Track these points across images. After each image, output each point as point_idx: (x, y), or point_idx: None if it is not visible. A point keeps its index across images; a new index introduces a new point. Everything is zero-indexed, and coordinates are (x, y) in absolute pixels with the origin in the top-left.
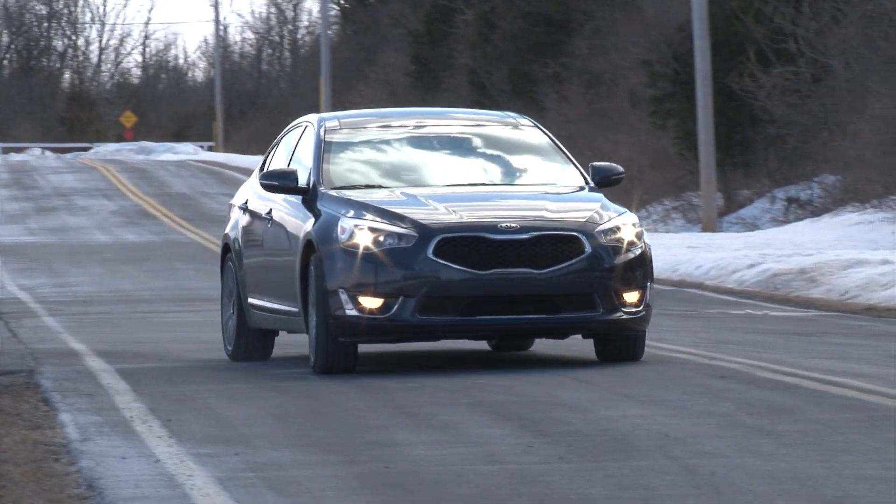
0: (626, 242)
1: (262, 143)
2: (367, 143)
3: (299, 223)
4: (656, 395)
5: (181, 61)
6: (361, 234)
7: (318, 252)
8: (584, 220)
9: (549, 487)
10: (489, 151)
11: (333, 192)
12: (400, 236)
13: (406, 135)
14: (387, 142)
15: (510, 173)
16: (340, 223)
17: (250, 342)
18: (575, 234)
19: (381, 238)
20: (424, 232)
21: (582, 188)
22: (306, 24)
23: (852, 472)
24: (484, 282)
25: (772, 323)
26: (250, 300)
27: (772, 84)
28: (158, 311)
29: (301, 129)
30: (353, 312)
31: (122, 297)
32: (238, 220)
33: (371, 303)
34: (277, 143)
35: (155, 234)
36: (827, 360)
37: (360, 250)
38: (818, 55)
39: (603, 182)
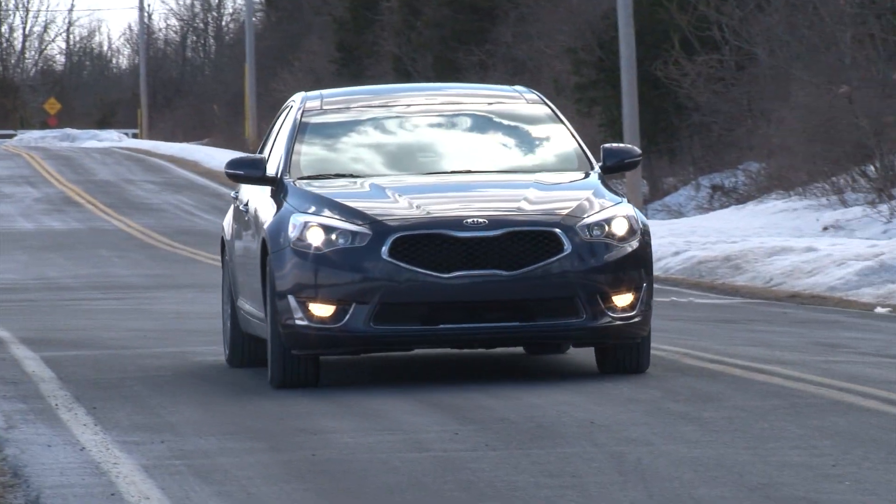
0: (616, 237)
1: (187, 130)
2: (349, 125)
3: (263, 218)
4: (582, 382)
5: (105, 48)
6: (312, 232)
7: (269, 252)
8: (566, 212)
9: (475, 475)
10: (486, 133)
11: (299, 184)
12: (353, 235)
13: (394, 115)
14: (371, 124)
15: (505, 158)
16: (291, 220)
17: (246, 348)
18: (552, 229)
19: (334, 237)
20: (379, 229)
21: (587, 174)
22: (231, 11)
23: (777, 459)
24: (446, 286)
25: (697, 310)
26: (240, 302)
27: (696, 72)
28: (83, 299)
29: (287, 108)
30: (303, 321)
31: (47, 285)
32: (231, 211)
33: (321, 310)
34: (273, 124)
35: (79, 221)
36: (752, 348)
37: (311, 251)
38: (742, 43)
39: (615, 167)
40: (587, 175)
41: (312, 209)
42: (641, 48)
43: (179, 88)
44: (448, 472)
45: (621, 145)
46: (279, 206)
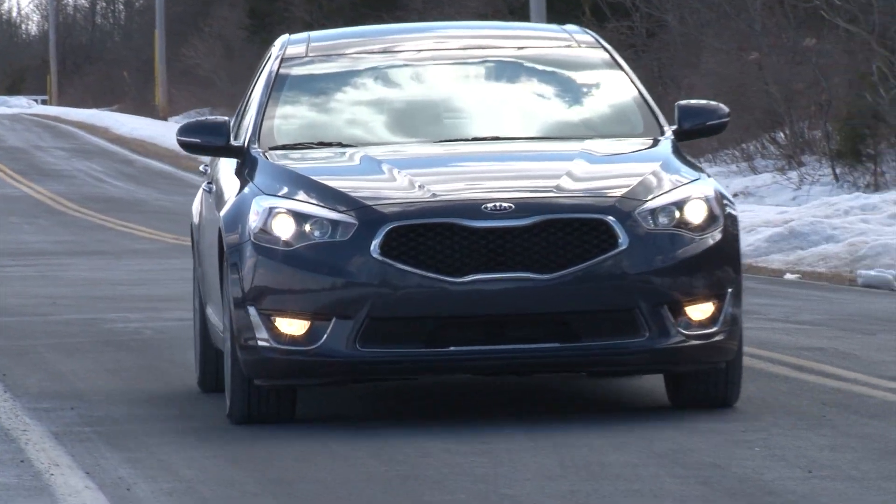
0: (691, 226)
1: (97, 96)
2: (340, 77)
3: (223, 202)
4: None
5: (14, 14)
6: (279, 221)
7: (225, 248)
8: (622, 193)
9: None
10: (520, 85)
11: (270, 156)
12: (334, 225)
13: (399, 64)
14: (369, 75)
15: (545, 119)
16: (253, 205)
17: (221, 368)
18: (602, 217)
19: (308, 228)
20: (367, 217)
21: (655, 141)
22: None
23: (687, 426)
24: (458, 295)
25: None
26: (208, 309)
27: (607, 38)
28: None
29: (266, 58)
30: (267, 342)
31: None
32: (202, 188)
33: (291, 327)
34: (253, 80)
35: None
36: None
37: (278, 246)
38: (653, 10)
39: (694, 131)
40: (655, 142)
41: (283, 190)
42: (552, 14)
43: (89, 55)
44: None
45: (702, 102)
46: (242, 186)
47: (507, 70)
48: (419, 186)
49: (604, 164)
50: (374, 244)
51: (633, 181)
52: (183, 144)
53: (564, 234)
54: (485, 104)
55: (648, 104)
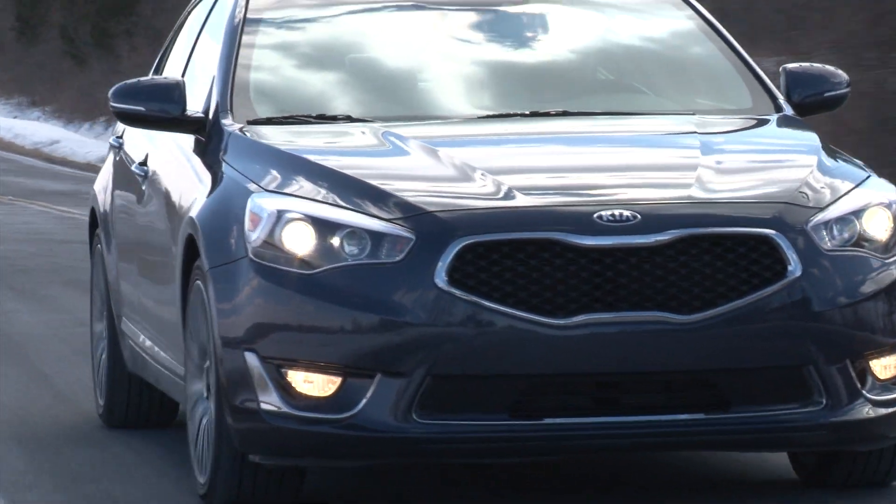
0: (876, 244)
1: None
2: (336, 24)
3: (185, 193)
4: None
5: None
6: (294, 231)
7: (202, 264)
8: (786, 198)
9: None
10: (588, 44)
11: (252, 133)
12: (376, 238)
13: (409, 4)
14: (372, 23)
15: (623, 89)
16: (250, 205)
17: (135, 397)
18: (765, 232)
19: (337, 242)
20: (429, 229)
21: (765, 120)
22: None
23: None
24: (562, 343)
25: None
26: (126, 325)
27: None
28: None
29: (209, 3)
30: (274, 405)
31: None
32: (109, 168)
33: (312, 386)
34: (179, 28)
35: None
36: None
37: (294, 268)
38: None
39: (810, 105)
40: (784, 122)
41: (290, 185)
42: None
43: None
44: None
45: (813, 66)
46: (217, 174)
47: (562, 18)
48: (495, 184)
49: (742, 155)
50: (441, 268)
51: (794, 181)
52: (121, 114)
53: (712, 256)
54: (538, 65)
55: (758, 74)
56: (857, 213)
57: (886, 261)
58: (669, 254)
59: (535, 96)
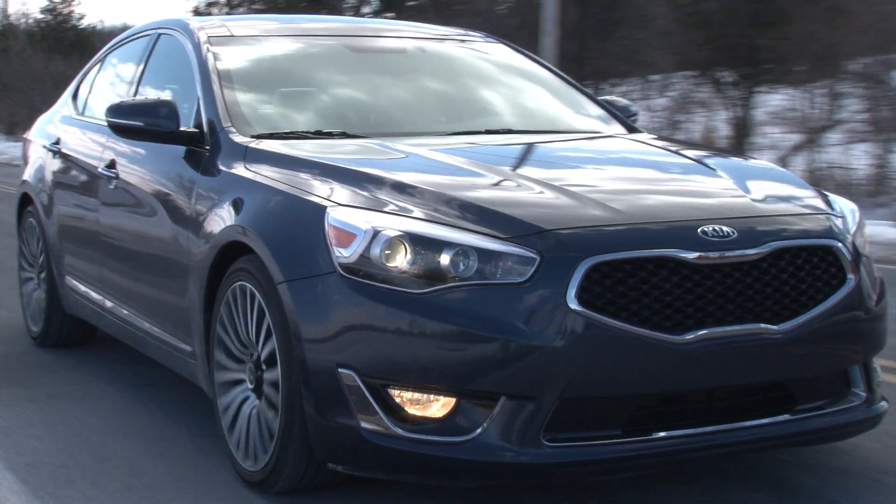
0: (871, 259)
1: None
2: (284, 61)
3: (185, 200)
4: None
5: None
6: (395, 250)
7: (273, 275)
8: (828, 214)
9: None
10: (471, 77)
11: (265, 145)
12: (491, 259)
13: (340, 49)
14: (314, 60)
15: (524, 112)
16: (330, 219)
17: (66, 327)
18: (832, 243)
19: (446, 261)
20: (555, 249)
21: (663, 137)
22: None
23: None
24: (685, 359)
25: None
26: (73, 284)
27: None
28: None
29: (148, 39)
30: (379, 425)
31: None
32: (45, 164)
33: (422, 407)
34: (99, 63)
35: None
36: None
37: (400, 287)
38: None
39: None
40: (683, 142)
41: (366, 199)
42: None
43: None
44: None
45: (620, 99)
46: (242, 181)
47: (462, 61)
48: (592, 203)
49: (748, 171)
50: (571, 289)
51: (813, 194)
52: (118, 129)
53: (794, 268)
54: (469, 93)
55: (600, 102)
56: (862, 227)
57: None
58: (763, 266)
59: (474, 119)
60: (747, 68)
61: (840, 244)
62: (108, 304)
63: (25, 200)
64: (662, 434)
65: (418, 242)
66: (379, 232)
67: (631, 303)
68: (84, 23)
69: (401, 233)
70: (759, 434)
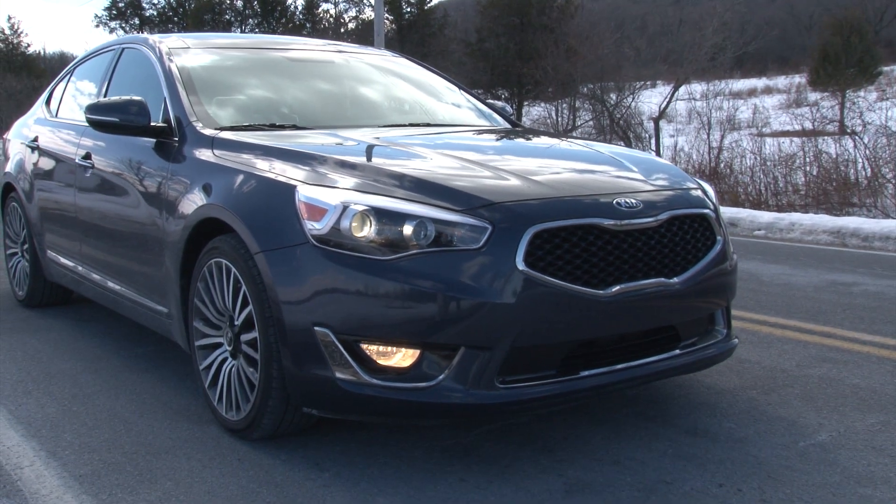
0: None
1: None
2: (234, 68)
3: (158, 185)
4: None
5: None
6: (361, 222)
7: (250, 251)
8: (695, 186)
9: None
10: (388, 82)
11: (229, 135)
12: (447, 229)
13: (281, 59)
14: (259, 68)
15: (434, 110)
16: (300, 196)
17: (49, 290)
18: (705, 212)
19: (409, 231)
20: (505, 219)
21: (543, 131)
22: None
23: None
24: (608, 309)
25: None
26: (54, 256)
27: None
28: None
29: (113, 53)
30: (352, 375)
31: None
32: (24, 158)
33: (392, 358)
34: (68, 75)
35: None
36: None
37: (367, 255)
38: None
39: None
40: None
41: (331, 179)
42: None
43: None
44: None
45: (489, 101)
46: (214, 167)
47: (380, 70)
48: (524, 179)
49: (632, 156)
50: (520, 253)
51: (679, 176)
52: (96, 124)
53: (683, 232)
54: (389, 95)
55: (487, 102)
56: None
57: None
58: (662, 231)
59: (398, 115)
60: (516, 89)
61: (710, 212)
62: (87, 272)
63: (7, 189)
64: (587, 373)
65: (383, 215)
66: (347, 207)
67: (566, 264)
68: (31, 49)
69: (367, 207)
70: (659, 367)
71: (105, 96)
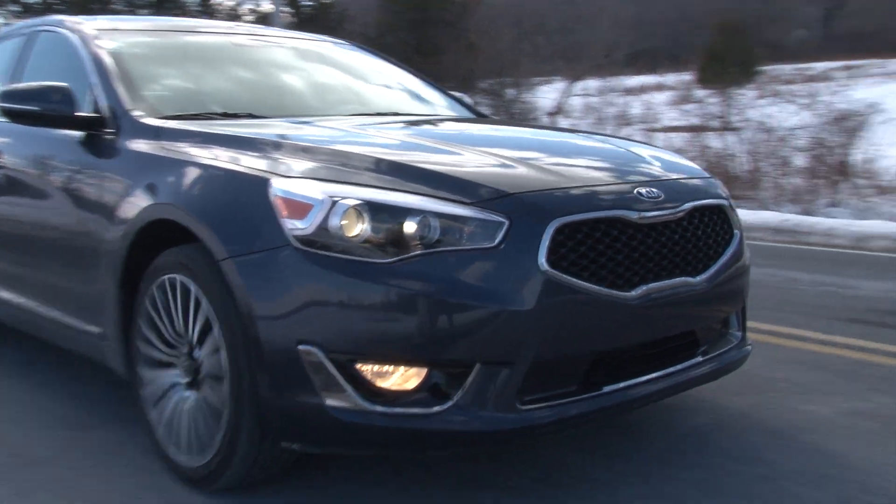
0: None
1: None
2: (172, 53)
3: (89, 185)
4: None
5: None
6: (355, 219)
7: (215, 257)
8: (709, 175)
9: None
10: (341, 70)
11: (179, 125)
12: (457, 224)
13: (225, 43)
14: (200, 52)
15: (396, 98)
16: (276, 190)
17: None
18: (722, 203)
19: (412, 229)
20: (522, 212)
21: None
22: None
23: None
24: (636, 314)
25: None
26: None
27: None
28: None
29: (23, 37)
30: (348, 400)
31: None
32: None
33: (392, 379)
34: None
35: None
36: None
37: (362, 258)
38: None
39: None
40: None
41: (312, 170)
42: None
43: None
44: None
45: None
46: (162, 161)
47: (320, 54)
48: (534, 166)
49: (637, 146)
50: (542, 251)
51: (693, 165)
52: (13, 114)
53: (704, 226)
54: (346, 83)
55: (447, 92)
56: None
57: None
58: (684, 224)
59: (358, 103)
60: None
61: (727, 203)
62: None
63: None
64: (610, 388)
65: (380, 210)
66: (337, 201)
67: (591, 262)
68: None
69: (361, 201)
70: (683, 377)
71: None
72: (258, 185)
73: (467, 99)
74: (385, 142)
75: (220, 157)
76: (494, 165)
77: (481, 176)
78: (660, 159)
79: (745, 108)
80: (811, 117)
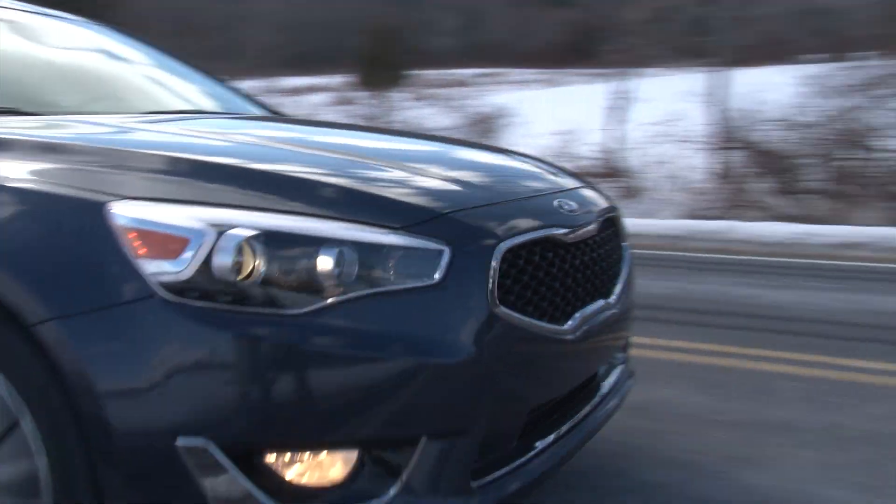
0: None
1: None
2: None
3: None
4: None
5: None
6: (252, 253)
7: (26, 321)
8: (588, 182)
9: None
10: (115, 56)
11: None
12: (390, 256)
13: None
14: None
15: (184, 94)
16: (121, 219)
17: None
18: (617, 213)
19: (328, 264)
20: (463, 233)
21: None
22: None
23: None
24: (575, 349)
25: None
26: None
27: None
28: None
29: None
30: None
31: None
32: None
33: (316, 471)
34: None
35: None
36: None
37: (264, 309)
38: None
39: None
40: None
41: (163, 185)
42: None
43: None
44: None
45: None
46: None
47: (89, 39)
48: (444, 178)
49: (481, 144)
50: (492, 284)
51: (571, 173)
52: None
53: (611, 237)
54: (119, 73)
55: (238, 89)
56: None
57: None
58: (597, 239)
59: (144, 97)
60: None
61: (618, 212)
62: None
63: None
64: (541, 444)
65: (283, 243)
66: (224, 233)
67: (532, 294)
68: None
69: (257, 231)
70: (597, 418)
71: None
72: (87, 212)
73: (244, 90)
74: (247, 148)
75: (13, 175)
76: (405, 178)
77: (397, 192)
78: (544, 165)
79: (400, 110)
80: (459, 119)
